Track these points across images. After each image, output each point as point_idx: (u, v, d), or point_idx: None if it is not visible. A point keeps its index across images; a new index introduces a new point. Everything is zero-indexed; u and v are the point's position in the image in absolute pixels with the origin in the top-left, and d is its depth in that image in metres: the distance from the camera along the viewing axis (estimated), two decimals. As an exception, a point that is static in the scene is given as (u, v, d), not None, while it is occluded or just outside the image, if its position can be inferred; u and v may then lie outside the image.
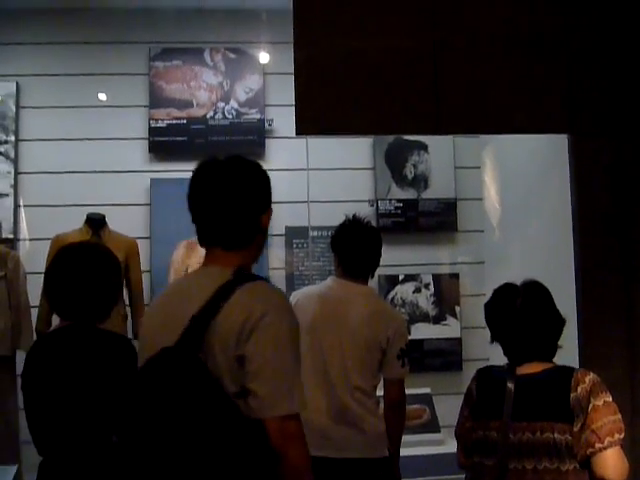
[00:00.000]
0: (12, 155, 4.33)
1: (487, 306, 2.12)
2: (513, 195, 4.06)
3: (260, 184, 1.66)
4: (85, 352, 2.02)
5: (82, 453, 1.96)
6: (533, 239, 3.67)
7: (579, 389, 1.81)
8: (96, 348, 2.03)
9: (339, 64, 3.03)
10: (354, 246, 2.72)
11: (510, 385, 1.94)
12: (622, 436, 1.77)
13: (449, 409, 3.02)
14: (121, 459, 1.41)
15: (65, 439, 2.00)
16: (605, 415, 1.77)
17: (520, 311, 1.98)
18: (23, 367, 2.15)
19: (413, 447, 3.55)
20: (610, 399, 1.81)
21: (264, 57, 4.45)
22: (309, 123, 3.11)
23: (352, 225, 2.78)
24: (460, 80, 2.94)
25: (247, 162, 1.68)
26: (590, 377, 1.84)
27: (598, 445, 1.75)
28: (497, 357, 2.13)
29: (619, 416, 1.80)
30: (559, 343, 2.02)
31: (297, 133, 3.08)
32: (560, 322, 2.02)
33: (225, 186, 1.59)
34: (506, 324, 2.01)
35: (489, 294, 2.15)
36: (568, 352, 2.85)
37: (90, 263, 2.13)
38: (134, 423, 1.39)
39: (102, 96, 4.41)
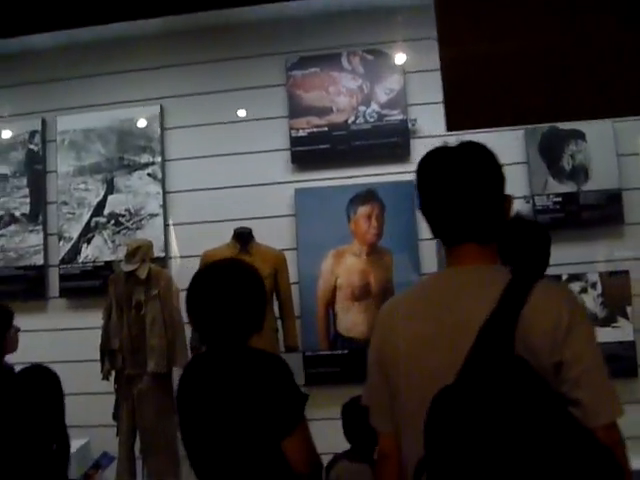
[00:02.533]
0: (159, 176, 4.38)
1: None
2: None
3: (499, 168, 1.49)
4: (238, 373, 1.91)
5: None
6: None
7: None
8: (249, 368, 1.92)
9: (488, 58, 2.82)
10: (521, 247, 2.42)
11: None
12: None
13: (623, 420, 2.67)
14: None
15: (221, 465, 1.90)
16: None
17: None
18: (177, 388, 2.08)
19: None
20: None
21: (403, 56, 4.27)
22: (459, 118, 2.91)
23: (516, 224, 2.48)
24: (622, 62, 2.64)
25: (480, 146, 1.51)
26: None
27: None
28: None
29: None
30: None
31: (447, 129, 2.88)
32: None
33: (474, 173, 1.44)
34: None
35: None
36: None
37: (232, 281, 2.01)
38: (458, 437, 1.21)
39: (242, 111, 4.38)
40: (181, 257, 4.31)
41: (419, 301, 1.50)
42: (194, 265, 3.95)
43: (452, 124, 2.86)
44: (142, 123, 4.44)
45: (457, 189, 1.44)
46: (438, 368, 1.31)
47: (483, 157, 1.48)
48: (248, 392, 1.87)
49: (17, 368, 2.88)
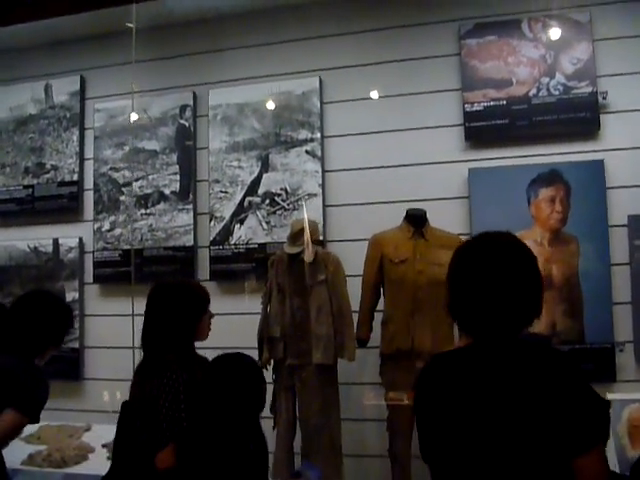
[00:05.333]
0: (319, 153, 4.09)
1: None
2: None
3: None
4: (526, 372, 1.58)
5: None
6: None
7: None
8: (539, 367, 1.58)
9: None
10: None
11: None
12: None
13: None
14: None
15: None
16: None
17: None
18: (418, 391, 1.76)
19: None
20: None
21: (592, 22, 3.83)
22: None
23: None
24: None
25: None
26: None
27: None
28: None
29: None
30: None
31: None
32: None
33: None
34: None
35: None
36: None
37: (512, 256, 1.67)
38: None
39: (410, 83, 4.03)
40: (341, 241, 4.00)
41: None
42: (356, 249, 3.68)
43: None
44: (300, 97, 4.14)
45: None
46: None
47: None
48: (539, 397, 1.53)
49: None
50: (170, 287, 2.50)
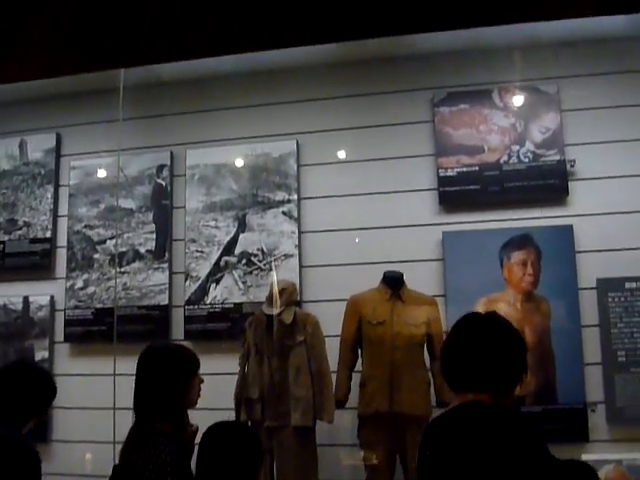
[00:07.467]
0: (295, 214, 4.16)
1: None
2: None
3: None
4: (495, 435, 1.73)
5: None
6: None
7: None
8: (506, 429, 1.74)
9: None
10: None
11: None
12: None
13: None
14: None
15: None
16: None
17: None
18: (422, 449, 1.88)
19: None
20: None
21: (559, 93, 4.02)
22: None
23: None
24: None
25: None
26: None
27: None
28: None
29: None
30: None
31: None
32: None
33: None
34: None
35: None
36: None
37: (493, 334, 1.88)
38: None
39: (385, 148, 4.15)
40: (317, 301, 4.04)
41: None
42: (333, 310, 3.72)
43: None
44: (277, 159, 4.22)
45: None
46: None
47: None
48: (504, 457, 1.68)
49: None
50: (159, 351, 2.49)
